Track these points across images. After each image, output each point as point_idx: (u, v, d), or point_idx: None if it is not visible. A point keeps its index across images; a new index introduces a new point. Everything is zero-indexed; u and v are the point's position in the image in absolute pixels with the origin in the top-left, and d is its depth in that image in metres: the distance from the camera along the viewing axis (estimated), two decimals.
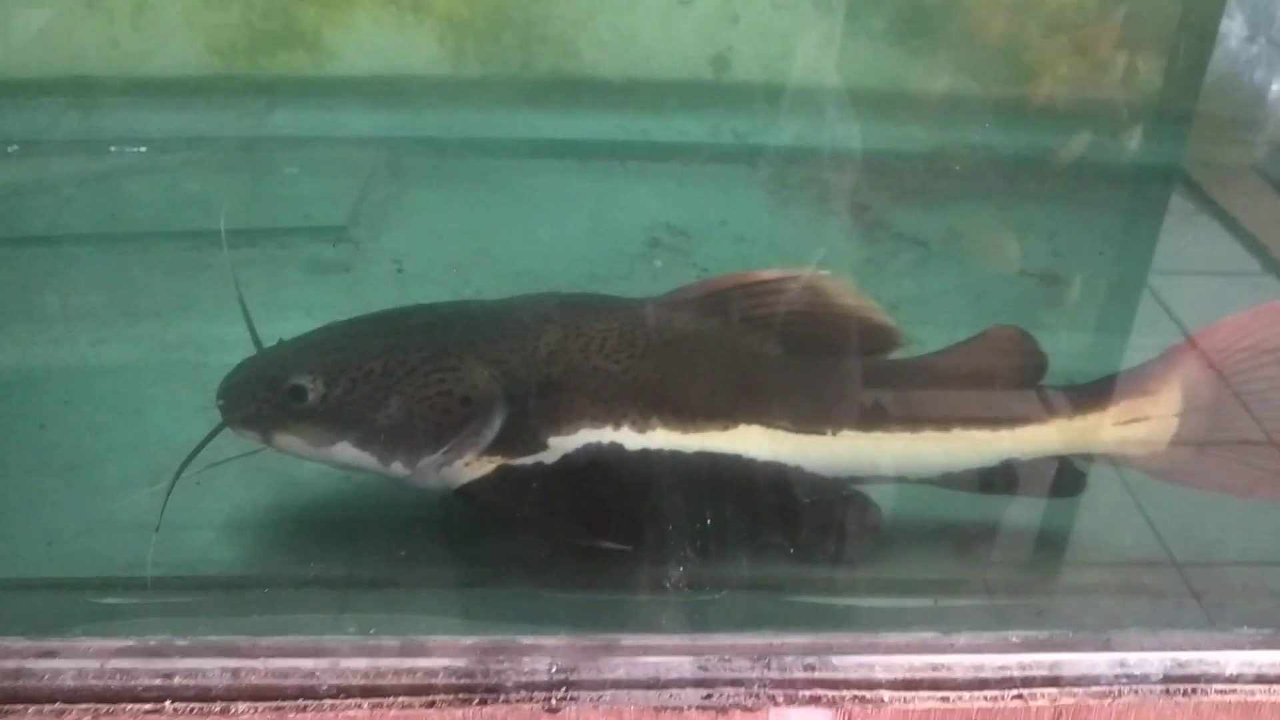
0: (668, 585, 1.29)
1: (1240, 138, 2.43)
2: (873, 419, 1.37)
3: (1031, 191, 2.27)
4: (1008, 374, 1.40)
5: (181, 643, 1.12)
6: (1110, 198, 2.35)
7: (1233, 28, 2.38)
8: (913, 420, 1.37)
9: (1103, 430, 1.38)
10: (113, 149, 2.23)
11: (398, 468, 1.31)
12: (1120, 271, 2.12)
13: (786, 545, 1.38)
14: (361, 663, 1.13)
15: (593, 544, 1.32)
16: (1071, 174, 2.30)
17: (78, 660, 1.11)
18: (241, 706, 1.11)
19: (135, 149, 2.23)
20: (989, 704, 1.16)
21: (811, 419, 1.36)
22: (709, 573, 1.32)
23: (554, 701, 1.12)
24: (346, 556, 1.37)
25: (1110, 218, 2.31)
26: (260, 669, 1.12)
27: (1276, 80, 2.35)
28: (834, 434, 1.37)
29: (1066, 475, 1.41)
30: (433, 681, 1.12)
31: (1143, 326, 1.89)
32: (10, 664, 1.09)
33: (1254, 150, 2.40)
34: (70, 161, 2.22)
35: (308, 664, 1.12)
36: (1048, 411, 1.38)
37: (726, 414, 1.35)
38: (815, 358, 1.40)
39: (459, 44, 2.41)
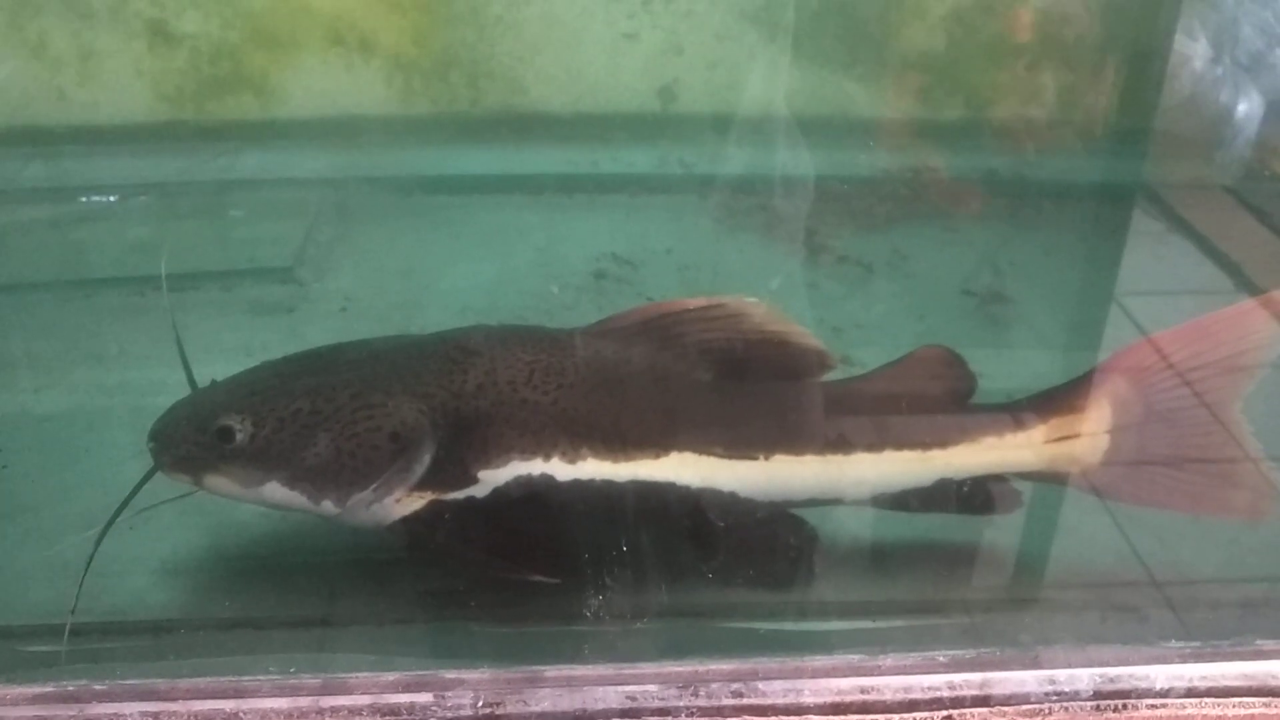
0: (593, 615, 1.28)
1: (1207, 157, 2.44)
2: (805, 443, 1.36)
3: (977, 212, 2.28)
4: (937, 393, 1.40)
5: (100, 687, 1.12)
6: (1065, 218, 2.35)
7: (1196, 50, 2.40)
8: (844, 443, 1.37)
9: (1034, 448, 1.37)
10: (83, 199, 2.23)
11: (328, 506, 1.30)
12: (1073, 291, 2.13)
13: (721, 572, 1.37)
14: (283, 703, 1.12)
15: (524, 577, 1.31)
16: (1020, 194, 2.31)
17: None
18: None
19: (101, 198, 2.23)
20: None
21: (744, 444, 1.35)
22: (639, 602, 1.31)
23: None
24: (276, 597, 1.36)
25: (1066, 237, 2.31)
26: (181, 711, 1.11)
27: (1242, 101, 2.37)
28: (766, 459, 1.36)
29: (1001, 493, 1.40)
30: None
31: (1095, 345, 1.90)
32: None
33: (1222, 169, 2.42)
34: (17, 211, 2.22)
35: (229, 705, 1.12)
36: (978, 430, 1.37)
37: (658, 442, 1.34)
38: (746, 383, 1.40)
39: (407, 83, 2.42)
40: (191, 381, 1.40)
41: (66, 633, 1.22)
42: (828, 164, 2.27)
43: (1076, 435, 1.38)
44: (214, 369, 1.41)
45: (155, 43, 2.31)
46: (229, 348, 1.79)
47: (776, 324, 1.39)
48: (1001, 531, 1.45)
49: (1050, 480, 1.40)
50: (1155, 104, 2.44)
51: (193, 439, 1.31)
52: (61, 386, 1.73)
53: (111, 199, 2.23)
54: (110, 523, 1.28)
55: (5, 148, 2.30)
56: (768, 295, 1.43)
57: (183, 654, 1.27)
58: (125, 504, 1.31)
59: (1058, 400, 1.39)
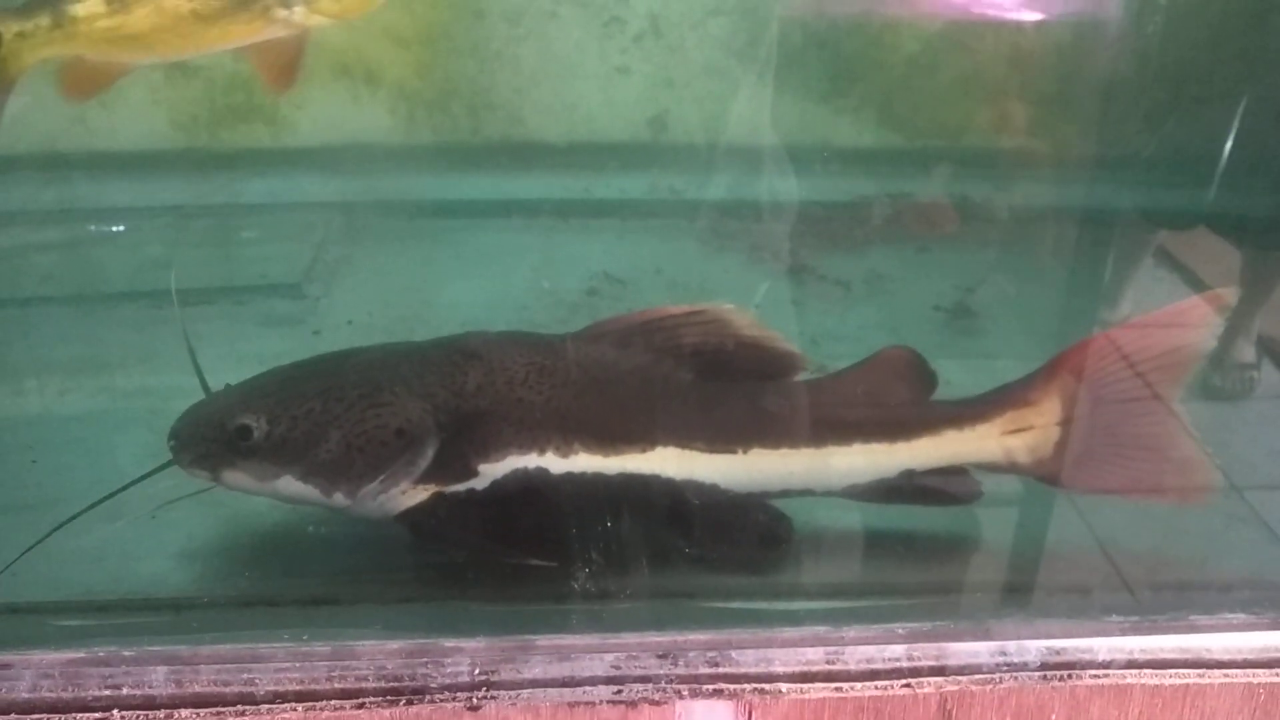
0: (582, 593, 1.37)
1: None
2: (779, 437, 1.46)
3: (951, 235, 2.39)
4: (902, 391, 1.50)
5: (128, 653, 1.20)
6: (1042, 242, 2.44)
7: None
8: (816, 437, 1.46)
9: (991, 440, 1.47)
10: (93, 227, 2.34)
11: (339, 498, 1.40)
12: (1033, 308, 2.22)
13: (701, 556, 1.47)
14: (296, 668, 1.20)
15: (521, 561, 1.41)
16: (990, 219, 2.42)
17: (31, 673, 1.19)
18: (184, 713, 1.18)
19: (112, 227, 2.34)
20: (879, 693, 1.24)
21: (723, 439, 1.45)
22: (626, 582, 1.40)
23: (475, 700, 1.20)
24: (288, 579, 1.46)
25: (1036, 260, 2.40)
26: (202, 677, 1.19)
27: None
28: (744, 452, 1.46)
29: (962, 484, 1.50)
30: (363, 685, 1.20)
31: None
32: None
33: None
34: (44, 232, 2.33)
35: (246, 671, 1.20)
36: (939, 424, 1.47)
37: (644, 437, 1.44)
38: (725, 383, 1.49)
39: (410, 113, 2.54)
40: (205, 386, 1.48)
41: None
42: (808, 190, 2.38)
43: (1030, 428, 1.47)
44: (228, 375, 1.50)
45: (172, 73, 2.41)
46: (243, 356, 1.85)
47: (753, 329, 1.48)
48: (961, 520, 1.55)
49: (1008, 471, 1.50)
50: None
51: (211, 437, 1.40)
52: (85, 390, 1.83)
53: (121, 228, 2.34)
54: (118, 491, 1.39)
55: (31, 172, 2.40)
56: (750, 307, 1.53)
57: (200, 627, 1.37)
58: (136, 482, 1.41)
59: (1012, 395, 1.49)
